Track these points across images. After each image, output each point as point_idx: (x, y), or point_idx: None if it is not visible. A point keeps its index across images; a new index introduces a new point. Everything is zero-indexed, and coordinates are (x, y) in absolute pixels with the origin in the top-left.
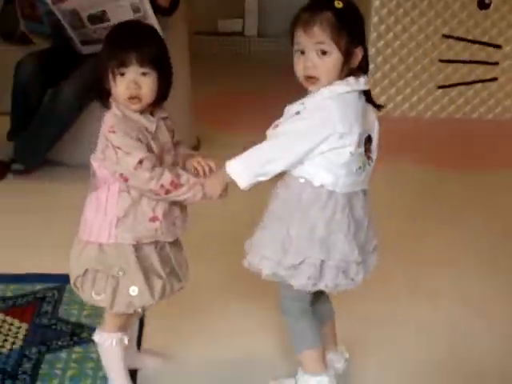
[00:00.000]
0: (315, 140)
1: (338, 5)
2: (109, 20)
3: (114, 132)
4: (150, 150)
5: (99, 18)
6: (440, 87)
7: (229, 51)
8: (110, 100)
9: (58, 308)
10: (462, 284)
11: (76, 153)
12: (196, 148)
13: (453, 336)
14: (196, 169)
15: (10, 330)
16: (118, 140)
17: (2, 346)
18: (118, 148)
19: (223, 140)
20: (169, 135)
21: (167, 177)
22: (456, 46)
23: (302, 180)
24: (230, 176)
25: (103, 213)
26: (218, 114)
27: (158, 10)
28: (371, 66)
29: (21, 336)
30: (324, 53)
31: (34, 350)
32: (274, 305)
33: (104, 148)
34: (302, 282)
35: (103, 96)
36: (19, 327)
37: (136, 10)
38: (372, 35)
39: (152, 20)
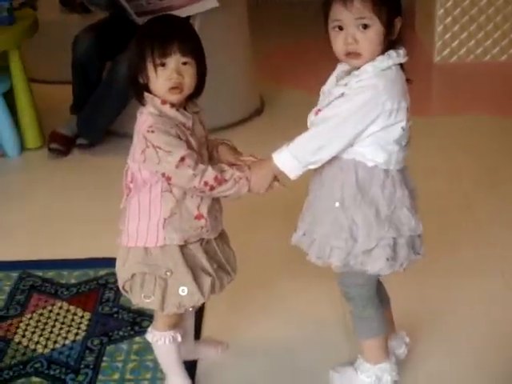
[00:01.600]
0: (365, 121)
1: None
2: None
3: (152, 132)
4: (189, 146)
5: None
6: None
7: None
8: (145, 97)
9: (119, 295)
10: None
11: None
12: (259, 111)
13: None
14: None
15: (73, 320)
16: (157, 139)
17: (66, 338)
18: (159, 147)
19: (289, 98)
20: (203, 129)
21: (211, 173)
22: None
23: (354, 162)
24: (278, 168)
25: (147, 217)
26: (284, 69)
27: None
28: (441, 12)
29: (84, 326)
30: (365, 26)
31: (96, 341)
32: (330, 285)
33: (144, 148)
34: (381, 265)
35: (139, 92)
36: (82, 317)
37: None
38: None
39: None
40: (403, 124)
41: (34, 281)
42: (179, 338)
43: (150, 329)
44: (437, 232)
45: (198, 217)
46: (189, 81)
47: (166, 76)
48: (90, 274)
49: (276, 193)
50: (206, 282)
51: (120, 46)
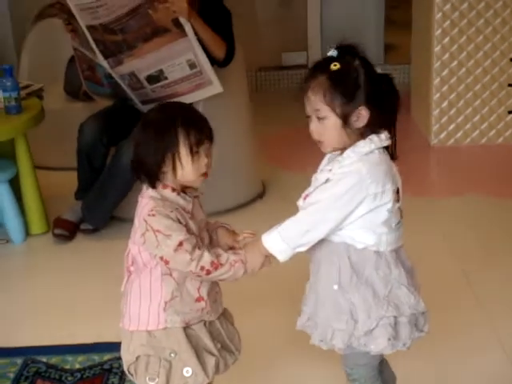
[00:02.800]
0: (351, 205)
1: (335, 66)
2: (166, 78)
3: (153, 215)
4: (189, 230)
5: (157, 77)
6: (511, 112)
7: (294, 85)
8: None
9: (124, 380)
10: None
11: None
12: (261, 195)
13: None
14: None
15: None
16: (158, 223)
17: None
18: (158, 231)
19: (291, 182)
20: (202, 213)
21: (207, 258)
22: None
23: (345, 245)
24: (267, 250)
25: (148, 299)
26: (284, 153)
27: (213, 62)
28: (437, 96)
29: None
30: (321, 118)
31: None
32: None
33: (144, 231)
34: (383, 344)
35: (156, 179)
36: None
37: (192, 65)
38: (436, 64)
39: (210, 73)
40: (389, 206)
41: (39, 367)
42: None
43: None
44: (436, 310)
45: (199, 299)
46: (211, 163)
47: (201, 163)
48: (95, 359)
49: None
50: (210, 362)
51: (124, 132)
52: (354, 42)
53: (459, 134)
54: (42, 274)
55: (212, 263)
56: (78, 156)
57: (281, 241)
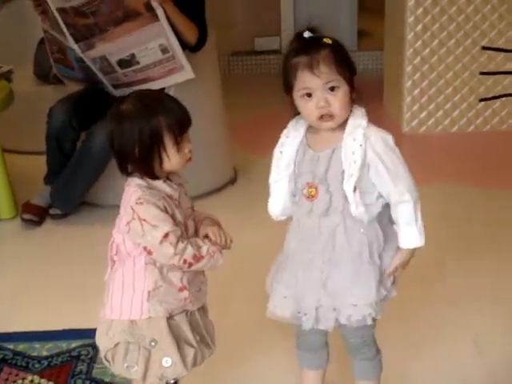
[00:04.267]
0: None
1: (328, 41)
2: (138, 63)
3: (141, 203)
4: (175, 219)
5: (128, 61)
6: (482, 100)
7: (267, 70)
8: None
9: (92, 367)
10: None
11: (111, 194)
12: (233, 181)
13: None
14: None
15: None
16: (145, 211)
17: None
18: (144, 220)
19: (263, 168)
20: (188, 201)
21: (190, 251)
22: (496, 58)
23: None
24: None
25: (131, 289)
26: (257, 139)
27: (185, 47)
28: (409, 83)
29: None
30: (333, 89)
31: None
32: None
33: (130, 220)
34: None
35: (144, 169)
36: None
37: (164, 50)
38: (408, 51)
39: (181, 59)
40: None
41: (5, 354)
42: None
43: None
44: (410, 299)
45: (181, 289)
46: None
47: (185, 150)
48: (63, 347)
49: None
50: (190, 353)
51: (95, 117)
52: (314, 25)
53: (431, 122)
54: (10, 260)
55: (194, 256)
56: (48, 140)
57: (418, 234)
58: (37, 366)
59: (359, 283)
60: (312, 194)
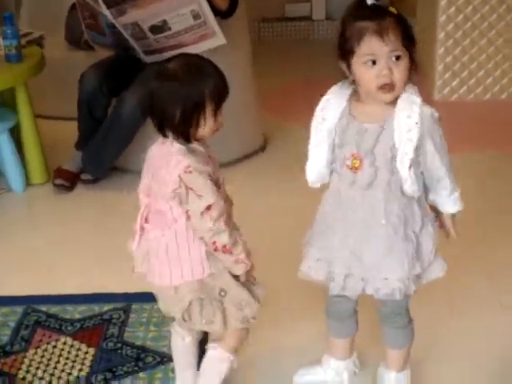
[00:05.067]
0: None
1: (394, 11)
2: (170, 29)
3: (190, 172)
4: (218, 182)
5: (160, 27)
6: None
7: (297, 36)
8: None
9: (123, 330)
10: None
11: (142, 160)
12: (262, 148)
13: None
14: None
15: (77, 355)
16: (192, 180)
17: (70, 374)
18: (191, 189)
19: (293, 135)
20: (213, 153)
21: (224, 238)
22: None
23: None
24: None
25: (187, 252)
26: (287, 106)
27: (217, 13)
28: (441, 51)
29: (88, 362)
30: (398, 58)
31: (99, 377)
32: None
33: (176, 187)
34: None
35: (181, 132)
36: (86, 352)
37: (196, 16)
38: (441, 18)
39: (213, 24)
40: None
41: (39, 316)
42: (235, 365)
43: (217, 346)
44: None
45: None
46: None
47: (219, 120)
48: (95, 310)
49: None
50: (255, 290)
51: (125, 83)
52: None
53: (463, 90)
54: (43, 224)
55: (224, 245)
56: (79, 106)
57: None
58: (69, 328)
59: (392, 258)
60: (356, 165)
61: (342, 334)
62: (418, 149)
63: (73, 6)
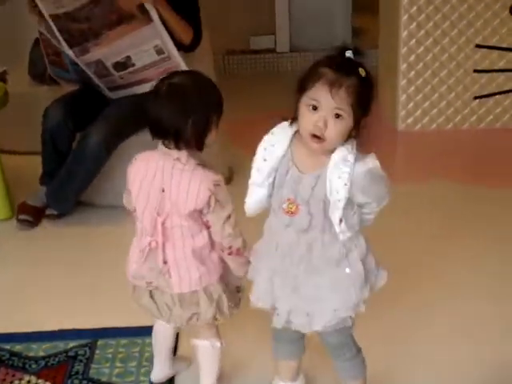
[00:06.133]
0: None
1: (362, 73)
2: (133, 65)
3: (218, 185)
4: None
5: (124, 64)
6: (476, 98)
7: (262, 69)
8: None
9: (89, 367)
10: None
11: (107, 194)
12: (228, 180)
13: None
14: None
15: None
16: (221, 193)
17: None
18: (218, 201)
19: None
20: None
21: (239, 243)
22: (490, 55)
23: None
24: None
25: (208, 257)
26: (251, 139)
27: (180, 47)
28: (404, 82)
29: None
30: (338, 116)
31: None
32: None
33: (206, 199)
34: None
35: (199, 145)
36: None
37: (159, 51)
38: (403, 50)
39: (177, 59)
40: None
41: (2, 354)
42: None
43: (212, 339)
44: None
45: None
46: None
47: (217, 131)
48: (60, 347)
49: None
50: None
51: (90, 117)
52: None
53: (426, 120)
54: (7, 261)
55: (238, 249)
56: (43, 140)
57: None
58: (34, 366)
59: (338, 290)
60: (292, 210)
61: (293, 356)
62: (350, 201)
63: (36, 41)
